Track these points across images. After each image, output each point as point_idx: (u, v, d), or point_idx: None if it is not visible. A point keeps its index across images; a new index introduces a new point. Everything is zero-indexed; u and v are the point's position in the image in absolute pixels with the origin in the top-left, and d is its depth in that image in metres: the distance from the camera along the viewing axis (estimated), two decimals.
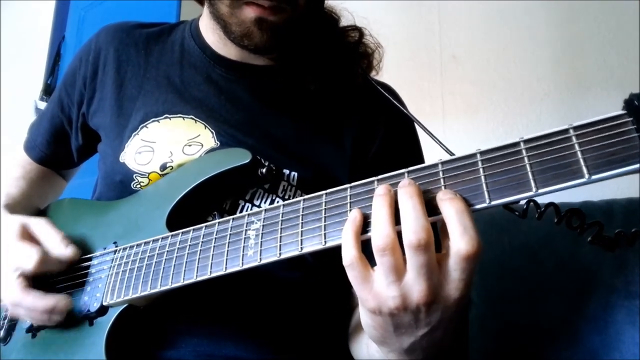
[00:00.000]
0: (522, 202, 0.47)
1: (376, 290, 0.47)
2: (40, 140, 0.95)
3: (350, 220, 0.49)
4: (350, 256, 0.48)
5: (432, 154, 0.67)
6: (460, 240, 0.44)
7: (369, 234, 0.48)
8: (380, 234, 0.46)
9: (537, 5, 1.61)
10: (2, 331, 0.78)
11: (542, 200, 0.49)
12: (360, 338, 0.69)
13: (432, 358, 0.54)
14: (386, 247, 0.45)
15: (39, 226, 0.74)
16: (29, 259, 0.68)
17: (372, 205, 0.48)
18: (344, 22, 0.88)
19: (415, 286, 0.46)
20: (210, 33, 0.84)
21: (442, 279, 0.46)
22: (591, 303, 1.05)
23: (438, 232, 0.48)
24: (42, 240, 0.72)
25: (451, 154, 0.54)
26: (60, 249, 0.71)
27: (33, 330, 0.73)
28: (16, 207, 0.84)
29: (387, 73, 0.90)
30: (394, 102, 0.80)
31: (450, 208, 0.45)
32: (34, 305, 0.68)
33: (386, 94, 0.80)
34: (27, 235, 0.73)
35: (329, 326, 0.76)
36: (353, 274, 0.48)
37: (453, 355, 0.58)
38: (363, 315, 0.52)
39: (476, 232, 0.44)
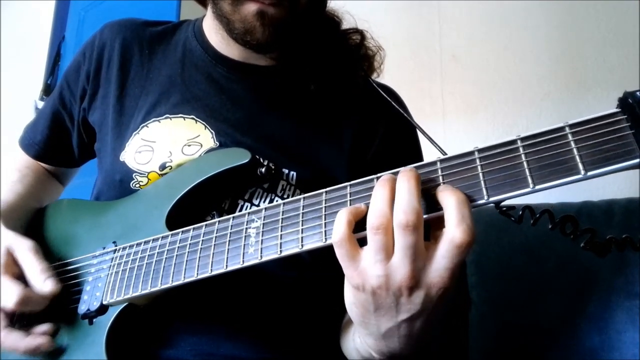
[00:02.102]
0: (520, 202, 0.47)
1: (362, 267, 0.48)
2: (40, 137, 0.94)
3: (352, 206, 0.50)
4: (340, 233, 0.48)
5: (431, 155, 0.67)
6: (456, 228, 0.44)
7: (363, 232, 0.48)
8: (376, 212, 0.46)
9: (537, 5, 1.61)
10: None
11: (541, 199, 0.49)
12: (349, 332, 0.69)
13: (408, 349, 0.54)
14: (380, 226, 0.46)
15: (23, 253, 0.72)
16: (9, 298, 0.67)
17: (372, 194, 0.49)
18: (345, 25, 0.88)
19: (400, 268, 0.46)
20: (214, 33, 0.84)
21: (427, 264, 0.47)
22: (591, 303, 1.05)
23: (429, 226, 0.48)
24: (23, 269, 0.71)
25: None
26: (39, 281, 0.69)
27: None
28: (12, 213, 0.83)
29: (387, 73, 0.90)
30: (394, 104, 0.80)
31: (451, 197, 0.45)
32: (14, 347, 0.68)
33: (386, 96, 0.81)
34: (11, 264, 0.71)
35: (326, 325, 0.76)
36: (341, 252, 0.48)
37: (431, 354, 0.59)
38: (347, 292, 0.52)
39: (473, 223, 0.44)
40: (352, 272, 0.48)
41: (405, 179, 0.47)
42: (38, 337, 0.68)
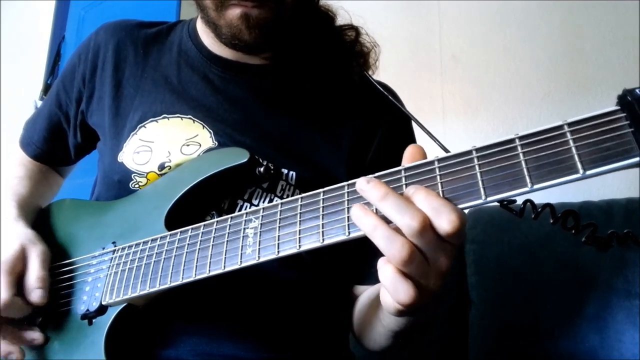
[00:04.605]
0: (520, 201, 0.47)
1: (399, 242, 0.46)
2: (37, 137, 0.94)
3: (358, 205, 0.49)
4: (371, 222, 0.47)
5: (430, 152, 0.67)
6: (440, 224, 0.44)
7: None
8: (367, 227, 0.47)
9: (537, 5, 1.61)
10: None
11: (540, 199, 0.49)
12: (376, 322, 0.69)
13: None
14: (377, 227, 0.46)
15: (32, 255, 0.73)
16: None
17: (366, 202, 0.48)
18: (340, 21, 0.88)
19: (410, 216, 0.45)
20: (206, 34, 0.84)
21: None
22: (591, 303, 1.05)
23: None
24: (27, 269, 0.72)
25: (448, 152, 0.54)
26: (30, 287, 0.70)
27: None
28: (26, 207, 0.84)
29: (387, 73, 0.90)
30: (392, 100, 0.80)
31: (417, 197, 0.46)
32: None
33: (384, 92, 0.80)
34: (19, 262, 0.72)
35: (326, 325, 0.76)
36: (381, 234, 0.46)
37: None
38: (395, 286, 0.48)
39: (450, 209, 0.44)
40: (401, 244, 0.46)
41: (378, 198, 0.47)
42: (9, 345, 0.70)
